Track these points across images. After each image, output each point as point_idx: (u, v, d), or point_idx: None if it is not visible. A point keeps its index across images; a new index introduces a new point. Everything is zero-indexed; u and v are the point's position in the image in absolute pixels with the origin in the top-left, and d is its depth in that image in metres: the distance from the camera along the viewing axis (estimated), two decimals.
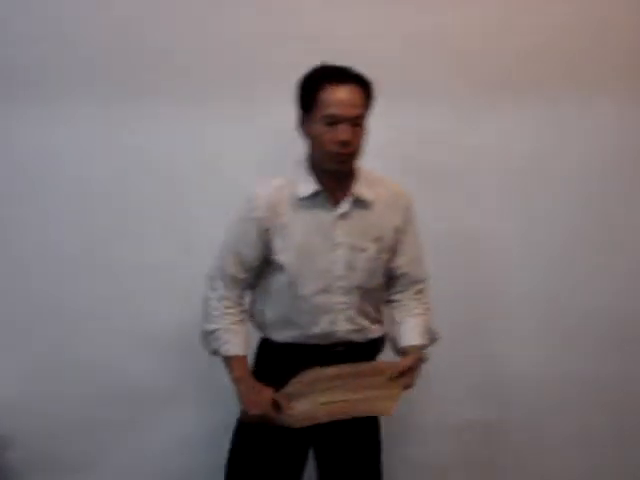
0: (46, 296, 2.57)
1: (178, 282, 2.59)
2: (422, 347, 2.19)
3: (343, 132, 1.99)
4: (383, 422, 2.26)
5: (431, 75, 2.62)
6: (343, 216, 2.09)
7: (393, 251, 2.17)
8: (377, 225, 2.12)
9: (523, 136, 2.67)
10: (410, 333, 2.18)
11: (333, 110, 2.00)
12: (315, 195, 2.09)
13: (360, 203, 2.10)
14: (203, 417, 2.64)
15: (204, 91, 2.57)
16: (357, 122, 2.01)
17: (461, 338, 2.67)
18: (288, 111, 2.58)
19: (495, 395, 2.77)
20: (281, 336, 2.16)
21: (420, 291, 2.25)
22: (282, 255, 2.10)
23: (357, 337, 2.15)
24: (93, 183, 2.57)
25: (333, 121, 2.00)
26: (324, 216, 2.09)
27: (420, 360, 2.16)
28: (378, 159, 2.60)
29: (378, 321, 2.22)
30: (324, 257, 2.09)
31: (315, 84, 2.04)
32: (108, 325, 2.59)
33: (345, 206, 2.08)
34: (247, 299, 2.23)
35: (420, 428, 2.75)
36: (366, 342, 2.18)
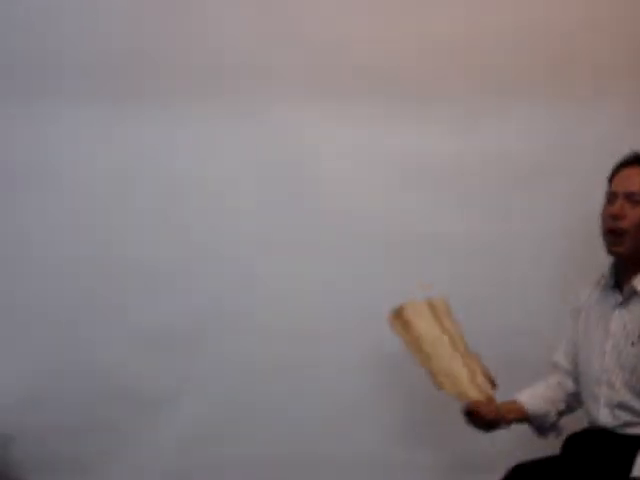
0: (46, 296, 2.57)
1: (178, 282, 2.60)
2: None
3: (614, 206, 1.98)
4: None
5: (431, 75, 2.62)
6: (621, 305, 2.01)
7: None
8: None
9: (523, 136, 2.66)
10: None
11: (611, 187, 2.04)
12: (605, 280, 2.08)
13: (637, 296, 1.99)
14: (203, 417, 2.64)
15: (204, 91, 2.57)
16: (635, 200, 1.97)
17: None
18: (288, 112, 2.60)
19: None
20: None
21: None
22: (579, 339, 2.12)
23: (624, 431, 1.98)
24: (93, 183, 2.57)
25: (610, 197, 2.02)
26: (608, 302, 2.05)
27: None
28: (378, 160, 2.62)
29: None
30: (598, 345, 2.04)
31: (615, 171, 2.07)
32: (108, 325, 2.59)
33: (625, 295, 2.01)
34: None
35: None
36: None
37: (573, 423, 2.16)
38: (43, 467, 2.60)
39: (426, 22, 2.60)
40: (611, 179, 2.08)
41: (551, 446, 2.13)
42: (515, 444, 2.35)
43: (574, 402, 2.16)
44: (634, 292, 1.99)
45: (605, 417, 1.99)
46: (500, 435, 2.16)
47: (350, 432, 2.63)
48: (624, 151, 2.66)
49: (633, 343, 1.96)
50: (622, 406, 1.97)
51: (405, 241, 2.60)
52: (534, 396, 2.14)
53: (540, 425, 2.14)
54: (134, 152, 2.58)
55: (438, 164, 2.63)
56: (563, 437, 2.14)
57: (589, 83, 2.65)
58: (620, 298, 2.02)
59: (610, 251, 2.02)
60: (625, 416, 1.96)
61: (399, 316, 2.13)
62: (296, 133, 2.61)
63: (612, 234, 1.99)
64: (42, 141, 2.56)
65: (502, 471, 2.03)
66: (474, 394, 2.01)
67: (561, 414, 2.16)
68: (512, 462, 2.08)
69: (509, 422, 2.07)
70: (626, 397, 1.96)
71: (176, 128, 2.58)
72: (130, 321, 2.59)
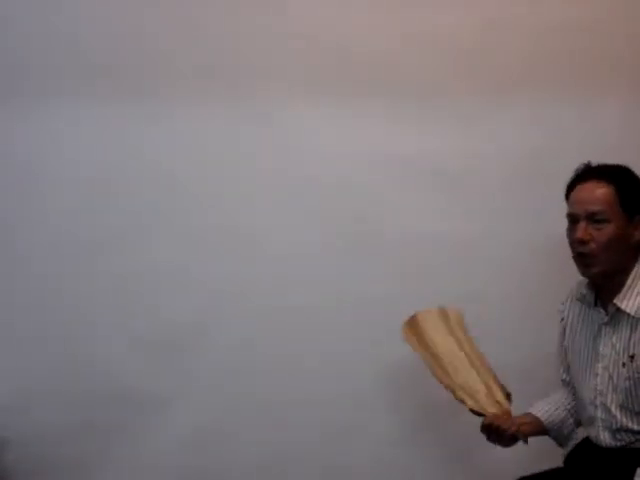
0: (45, 296, 2.57)
1: (178, 282, 2.59)
2: None
3: (577, 230, 1.93)
4: None
5: (431, 75, 2.62)
6: (607, 324, 1.98)
7: None
8: (635, 341, 1.93)
9: (523, 136, 2.66)
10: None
11: (570, 209, 1.98)
12: (587, 297, 2.04)
13: (622, 314, 1.95)
14: (203, 417, 2.64)
15: (204, 91, 2.57)
16: (597, 219, 1.91)
17: None
18: (288, 112, 2.60)
19: None
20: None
21: None
22: (567, 355, 2.11)
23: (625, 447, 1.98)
24: (93, 183, 2.57)
25: (572, 220, 1.97)
26: (592, 320, 2.03)
27: None
28: (378, 159, 2.62)
29: None
30: (589, 366, 2.02)
31: (569, 188, 2.02)
32: (107, 326, 2.58)
33: (609, 313, 1.97)
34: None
35: None
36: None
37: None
38: (42, 468, 2.59)
39: (427, 22, 2.60)
40: (567, 197, 2.02)
41: (554, 459, 2.14)
42: (519, 456, 2.35)
43: None
44: (618, 310, 1.95)
45: (607, 440, 1.98)
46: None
47: (351, 434, 2.63)
48: (624, 150, 2.68)
49: (624, 364, 1.93)
50: (622, 430, 1.96)
51: (405, 241, 2.60)
52: (549, 406, 2.12)
53: (558, 435, 2.11)
54: (133, 152, 2.58)
55: (438, 164, 2.63)
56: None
57: (590, 83, 2.65)
58: (605, 317, 1.98)
59: (583, 274, 1.99)
60: (627, 438, 1.96)
61: (413, 326, 2.09)
62: (296, 133, 2.61)
63: (582, 257, 1.95)
64: (41, 141, 2.56)
65: None
66: (493, 409, 1.96)
67: (578, 424, 2.14)
68: (516, 475, 2.10)
69: (527, 435, 2.01)
70: (624, 421, 1.94)
71: (176, 128, 2.58)
72: (130, 321, 2.59)
